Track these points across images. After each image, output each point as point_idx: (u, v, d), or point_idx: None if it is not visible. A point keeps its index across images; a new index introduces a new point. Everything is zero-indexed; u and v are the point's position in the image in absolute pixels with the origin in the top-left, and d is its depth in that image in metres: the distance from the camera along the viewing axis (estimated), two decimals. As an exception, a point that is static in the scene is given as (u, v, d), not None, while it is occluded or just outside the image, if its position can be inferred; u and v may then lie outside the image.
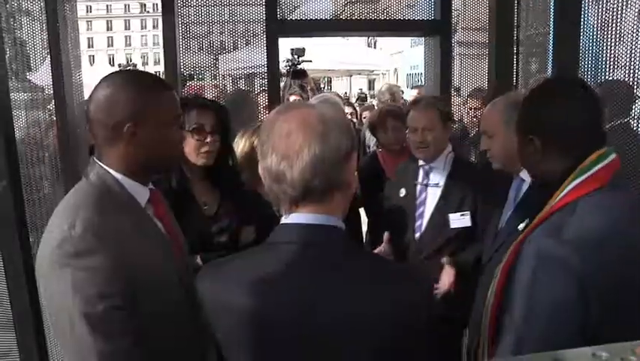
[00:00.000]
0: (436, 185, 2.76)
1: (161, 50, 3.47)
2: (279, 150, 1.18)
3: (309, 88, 6.04)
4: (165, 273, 1.50)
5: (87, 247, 1.31)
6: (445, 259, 2.65)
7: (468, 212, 2.68)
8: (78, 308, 1.28)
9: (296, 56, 6.22)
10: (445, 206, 2.71)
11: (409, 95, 7.92)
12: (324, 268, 1.19)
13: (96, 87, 1.47)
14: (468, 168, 2.84)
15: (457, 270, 2.61)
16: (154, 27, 77.20)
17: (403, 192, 2.85)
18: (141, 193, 1.53)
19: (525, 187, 2.13)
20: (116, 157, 1.47)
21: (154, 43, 77.13)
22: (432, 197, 2.77)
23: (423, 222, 2.76)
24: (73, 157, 3.11)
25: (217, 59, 4.10)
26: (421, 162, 2.82)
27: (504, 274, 1.51)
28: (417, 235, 2.75)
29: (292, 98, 5.80)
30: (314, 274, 1.18)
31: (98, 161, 1.49)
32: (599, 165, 1.44)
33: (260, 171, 1.28)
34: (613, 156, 1.47)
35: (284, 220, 1.24)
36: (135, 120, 1.44)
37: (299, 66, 6.15)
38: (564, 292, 1.33)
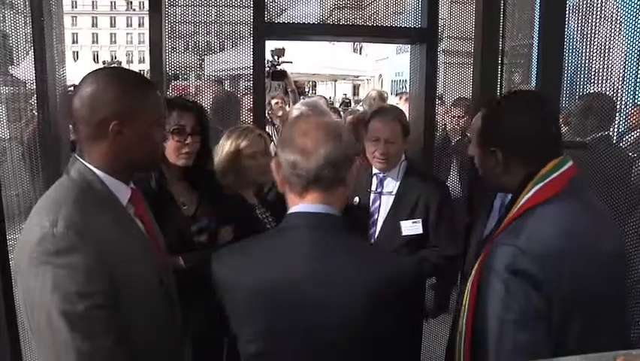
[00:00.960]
0: (390, 193, 2.79)
1: (146, 49, 3.44)
2: (299, 144, 1.39)
3: (289, 90, 5.99)
4: (147, 272, 1.49)
5: (68, 245, 1.29)
6: None
7: (419, 220, 2.71)
8: (57, 306, 1.27)
9: (276, 57, 6.14)
10: (397, 214, 2.74)
11: (393, 101, 7.95)
12: (330, 248, 1.40)
13: (81, 83, 1.46)
14: (420, 176, 2.86)
15: None
16: (140, 25, 76.73)
17: (356, 200, 2.86)
18: (123, 192, 1.51)
19: (510, 197, 2.14)
20: (99, 154, 1.46)
21: (139, 41, 76.65)
22: (385, 205, 2.79)
23: (376, 229, 2.79)
24: (55, 153, 3.07)
25: (203, 60, 4.08)
26: (375, 170, 2.84)
27: (475, 286, 1.53)
28: (371, 242, 2.76)
29: (274, 101, 5.75)
30: (322, 253, 1.38)
31: (79, 158, 1.47)
32: (556, 173, 1.50)
33: (273, 163, 1.47)
34: (569, 163, 1.54)
35: (293, 210, 1.44)
36: (121, 119, 1.43)
37: (279, 67, 6.05)
38: (530, 301, 1.36)
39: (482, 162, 1.67)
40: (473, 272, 1.55)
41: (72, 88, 3.21)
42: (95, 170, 1.46)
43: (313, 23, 3.52)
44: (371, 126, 2.79)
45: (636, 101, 2.64)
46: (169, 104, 2.27)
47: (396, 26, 3.67)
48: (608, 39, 2.63)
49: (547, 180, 1.49)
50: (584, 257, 1.41)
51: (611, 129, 2.85)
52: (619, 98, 2.68)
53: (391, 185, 2.80)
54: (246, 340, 1.42)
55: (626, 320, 1.67)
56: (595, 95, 2.75)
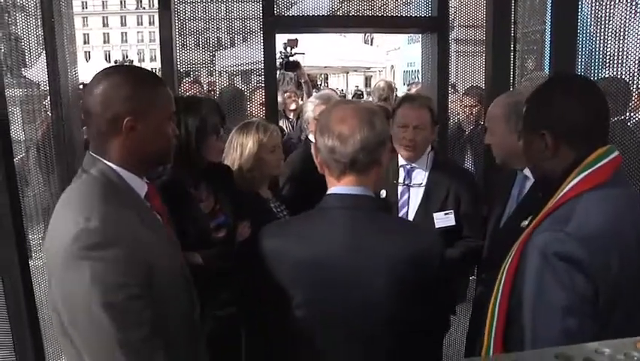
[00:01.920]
0: (419, 185, 2.70)
1: (157, 47, 3.45)
2: (336, 130, 1.51)
3: (302, 81, 5.92)
4: (174, 265, 1.53)
5: (105, 239, 1.32)
6: None
7: (452, 211, 2.64)
8: (97, 300, 1.29)
9: (288, 48, 6.08)
10: (428, 206, 2.65)
11: (404, 92, 7.89)
12: (364, 226, 1.55)
13: (92, 81, 1.47)
14: (448, 166, 2.79)
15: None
16: (150, 23, 77.01)
17: (383, 193, 2.72)
18: (140, 186, 1.53)
19: (529, 184, 2.12)
20: (114, 151, 1.47)
21: (150, 39, 76.99)
22: (415, 197, 2.70)
23: None
24: (69, 153, 3.10)
25: (214, 56, 4.08)
26: (401, 162, 2.74)
27: (511, 272, 1.50)
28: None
29: (286, 95, 5.70)
30: (356, 231, 1.53)
31: (96, 155, 1.48)
32: (603, 161, 1.47)
33: (313, 148, 1.62)
34: (615, 153, 1.50)
35: (330, 191, 1.59)
36: (134, 115, 1.44)
37: (291, 58, 5.97)
38: (575, 287, 1.33)
39: (528, 146, 1.63)
40: (510, 259, 1.52)
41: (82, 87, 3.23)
42: (113, 166, 1.47)
43: (323, 15, 3.50)
44: (399, 113, 2.71)
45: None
46: (196, 103, 2.28)
47: (406, 16, 3.64)
48: (623, 22, 2.59)
49: (595, 167, 1.46)
50: (632, 242, 1.39)
51: (627, 114, 2.82)
52: (635, 83, 2.65)
53: (420, 177, 2.71)
54: (293, 306, 1.56)
55: None
56: (610, 79, 2.71)
